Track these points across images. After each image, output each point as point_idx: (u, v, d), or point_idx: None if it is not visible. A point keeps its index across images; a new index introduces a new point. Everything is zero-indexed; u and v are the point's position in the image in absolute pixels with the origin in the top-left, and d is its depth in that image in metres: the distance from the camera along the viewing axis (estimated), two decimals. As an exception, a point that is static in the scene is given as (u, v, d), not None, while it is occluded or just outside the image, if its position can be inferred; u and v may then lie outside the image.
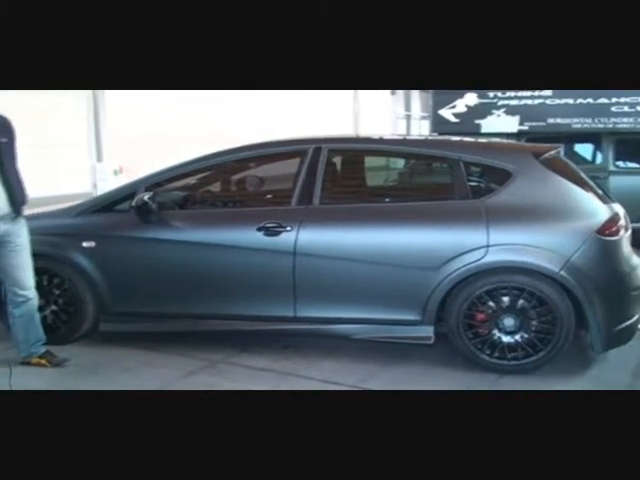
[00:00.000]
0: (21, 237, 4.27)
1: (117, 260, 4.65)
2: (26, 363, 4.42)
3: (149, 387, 4.08)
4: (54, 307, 4.80)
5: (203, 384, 4.15)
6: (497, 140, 5.95)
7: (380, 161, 7.47)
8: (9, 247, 4.20)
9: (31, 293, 4.35)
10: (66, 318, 4.79)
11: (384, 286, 4.29)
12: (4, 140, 4.09)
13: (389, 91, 28.41)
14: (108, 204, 4.77)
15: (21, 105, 13.52)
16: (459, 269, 4.15)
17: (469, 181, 4.40)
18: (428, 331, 4.30)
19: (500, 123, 9.80)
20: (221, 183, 5.26)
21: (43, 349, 4.48)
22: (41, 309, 4.74)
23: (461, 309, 4.22)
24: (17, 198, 4.15)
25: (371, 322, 4.37)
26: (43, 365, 4.43)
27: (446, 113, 10.21)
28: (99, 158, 15.77)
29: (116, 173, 14.74)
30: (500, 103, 9.85)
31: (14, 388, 3.98)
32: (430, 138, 6.40)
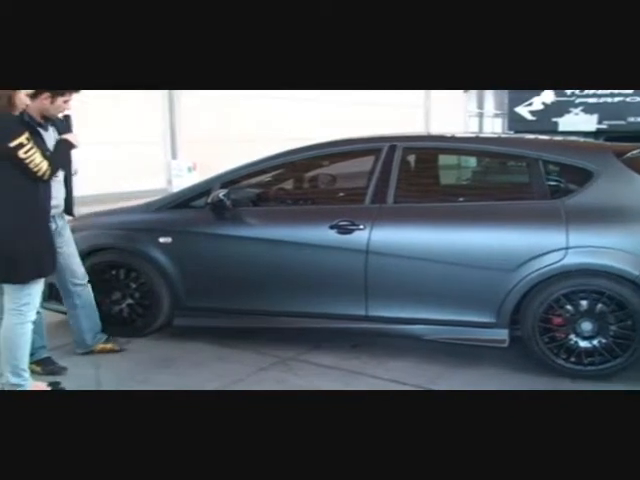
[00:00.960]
0: (68, 229, 4.43)
1: (192, 256, 4.72)
2: (89, 352, 4.55)
3: (219, 382, 4.13)
4: (130, 300, 4.91)
5: (273, 380, 4.18)
6: (577, 139, 5.79)
7: (451, 159, 7.36)
8: (62, 240, 4.32)
9: (86, 281, 4.50)
10: (142, 311, 4.90)
11: (458, 287, 4.22)
12: None
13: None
14: (185, 200, 4.84)
15: (101, 104, 13.91)
16: (536, 271, 4.05)
17: (548, 181, 4.29)
18: (502, 334, 4.22)
19: (578, 121, 9.57)
20: (294, 181, 5.28)
21: (105, 336, 4.63)
22: (118, 302, 4.89)
23: (537, 312, 4.11)
24: (72, 197, 4.35)
25: (444, 323, 4.31)
26: (109, 350, 4.58)
27: (522, 111, 10.03)
28: (174, 155, 16.09)
29: (190, 170, 15.00)
30: (578, 101, 9.62)
31: (88, 380, 4.11)
32: (508, 136, 6.27)
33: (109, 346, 4.62)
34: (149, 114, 15.59)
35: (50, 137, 4.09)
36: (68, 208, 4.38)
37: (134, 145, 14.90)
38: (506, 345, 4.22)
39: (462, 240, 4.22)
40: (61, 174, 4.12)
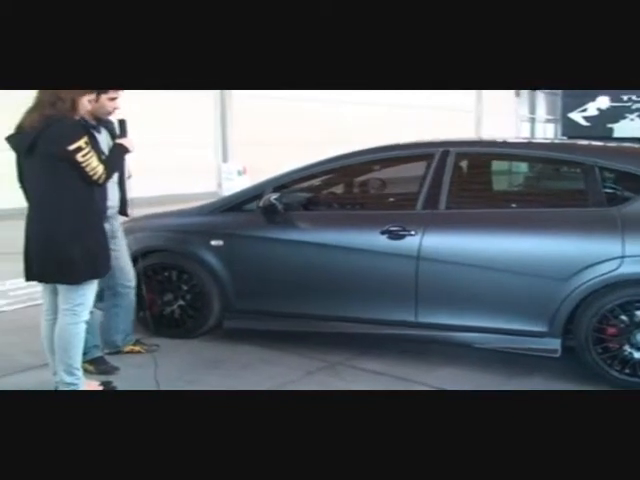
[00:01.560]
0: (121, 231, 4.52)
1: (242, 258, 4.75)
2: (117, 352, 4.61)
3: (268, 385, 4.15)
4: (182, 302, 4.96)
5: (321, 384, 4.18)
6: (633, 145, 5.66)
7: (502, 165, 7.29)
8: (115, 241, 4.38)
9: (134, 283, 4.58)
10: (192, 313, 4.95)
11: (510, 295, 4.17)
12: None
13: (514, 93, 27.78)
14: (237, 204, 4.89)
15: (155, 107, 14.13)
16: (591, 280, 3.97)
17: (604, 188, 4.21)
18: (555, 344, 4.14)
19: (634, 127, 9.37)
20: (344, 185, 5.28)
21: (134, 337, 4.72)
22: (169, 304, 4.96)
23: (591, 322, 4.03)
24: (126, 198, 4.43)
25: (495, 331, 4.25)
26: (137, 352, 4.66)
27: (576, 116, 9.87)
28: (224, 158, 16.26)
29: (240, 173, 15.15)
30: (635, 107, 9.43)
31: (138, 381, 4.18)
32: (562, 142, 6.17)
33: (137, 348, 4.69)
34: (201, 117, 15.79)
35: (103, 140, 4.16)
36: (123, 209, 4.46)
37: (186, 148, 15.11)
38: (558, 355, 4.15)
39: (515, 247, 4.16)
40: (116, 176, 4.19)
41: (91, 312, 3.95)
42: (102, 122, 4.23)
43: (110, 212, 4.24)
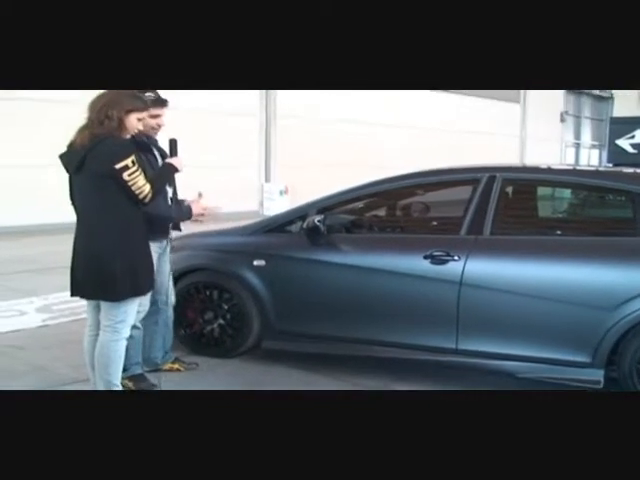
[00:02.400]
0: (168, 247, 4.56)
1: (284, 280, 4.76)
2: (156, 370, 4.62)
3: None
4: (222, 321, 4.98)
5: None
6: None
7: (548, 191, 7.19)
8: (165, 258, 4.46)
9: (173, 300, 4.61)
10: (232, 332, 4.96)
11: (554, 324, 4.10)
12: None
13: (559, 118, 27.56)
14: (280, 224, 4.91)
15: (204, 127, 14.32)
16: (637, 311, 3.89)
17: (652, 217, 4.13)
18: (598, 374, 4.05)
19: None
20: (387, 208, 5.27)
21: (173, 355, 4.74)
22: (210, 322, 4.98)
23: (636, 353, 3.94)
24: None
25: (537, 361, 4.17)
26: (177, 370, 4.67)
27: (623, 143, 9.76)
28: (267, 179, 16.37)
29: (282, 193, 15.25)
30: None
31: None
32: (609, 170, 6.09)
33: (176, 366, 4.71)
34: (246, 139, 15.95)
35: (154, 159, 4.23)
36: (176, 224, 4.52)
37: (230, 169, 15.26)
38: (601, 387, 4.06)
39: (560, 275, 4.10)
40: (170, 191, 4.26)
41: (137, 328, 3.99)
42: (150, 140, 4.30)
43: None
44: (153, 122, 4.24)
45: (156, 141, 4.37)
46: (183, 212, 4.30)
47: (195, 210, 4.29)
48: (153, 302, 4.49)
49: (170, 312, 4.62)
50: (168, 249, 4.52)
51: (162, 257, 4.33)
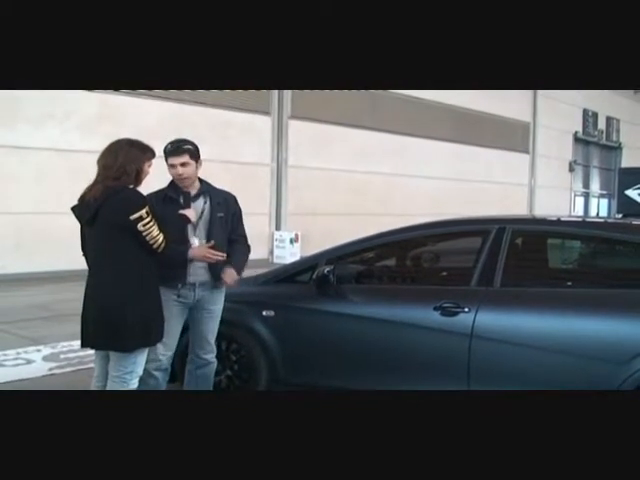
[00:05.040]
0: (217, 304, 4.47)
1: (294, 331, 4.73)
2: None
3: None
4: (229, 372, 4.94)
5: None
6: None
7: (556, 241, 7.19)
8: (204, 313, 4.40)
9: (213, 357, 4.53)
10: (239, 384, 4.91)
11: (565, 377, 4.03)
12: (220, 215, 4.40)
13: (568, 167, 27.69)
14: (291, 274, 4.91)
15: (216, 176, 14.41)
16: (650, 364, 3.84)
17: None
18: (612, 429, 3.99)
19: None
20: (397, 258, 5.26)
21: None
22: (217, 373, 4.92)
23: (651, 408, 3.88)
24: (217, 268, 4.33)
25: (550, 414, 4.12)
26: None
27: (633, 194, 9.76)
28: (278, 226, 16.44)
29: (292, 242, 15.28)
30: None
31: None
32: (617, 221, 6.07)
33: None
34: (258, 187, 16.07)
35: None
36: (214, 277, 4.43)
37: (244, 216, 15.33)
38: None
39: (571, 327, 4.05)
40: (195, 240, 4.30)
41: (155, 378, 3.95)
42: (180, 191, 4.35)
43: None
44: (173, 172, 4.26)
45: (188, 193, 4.36)
46: (177, 252, 4.14)
47: (198, 253, 4.23)
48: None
49: (211, 366, 4.56)
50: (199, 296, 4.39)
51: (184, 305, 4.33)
